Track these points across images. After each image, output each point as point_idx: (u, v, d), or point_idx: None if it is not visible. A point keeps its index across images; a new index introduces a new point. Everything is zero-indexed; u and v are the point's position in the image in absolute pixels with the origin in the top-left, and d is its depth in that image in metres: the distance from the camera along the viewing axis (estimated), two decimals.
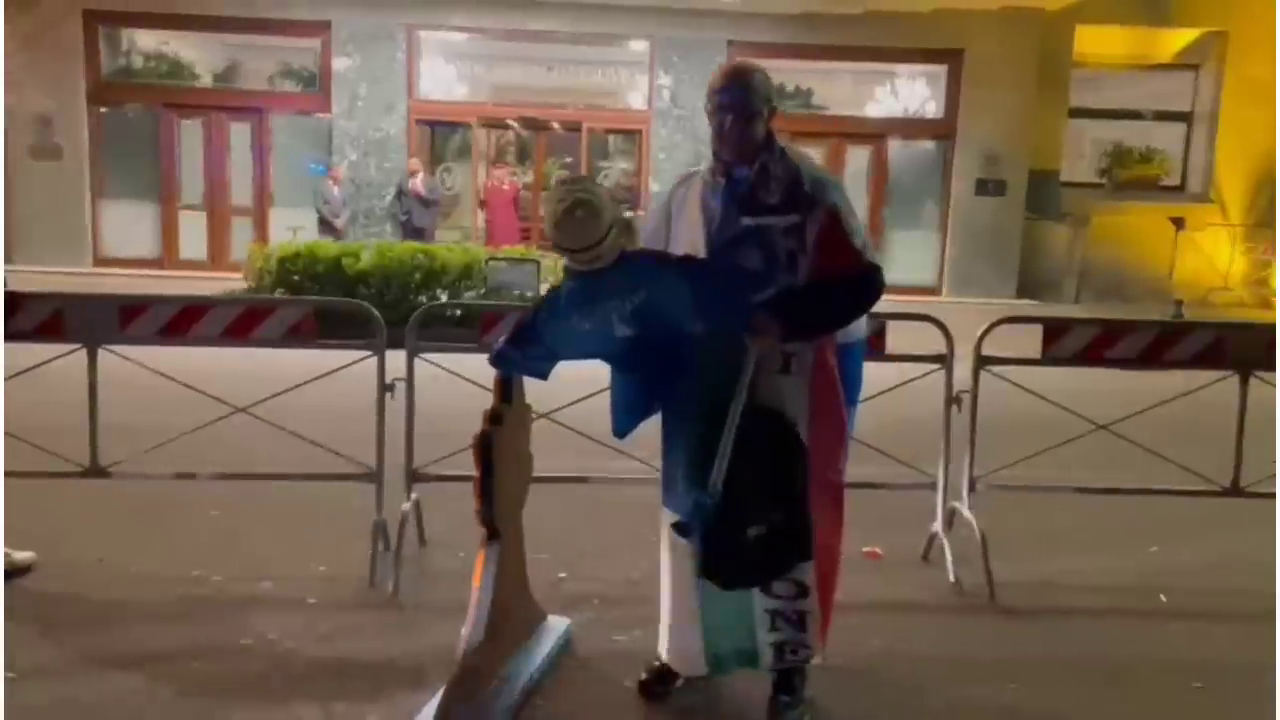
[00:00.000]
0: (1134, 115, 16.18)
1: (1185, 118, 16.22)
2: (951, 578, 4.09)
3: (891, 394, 4.33)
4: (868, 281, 2.91)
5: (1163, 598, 4.08)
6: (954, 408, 4.18)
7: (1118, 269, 15.06)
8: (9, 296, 4.03)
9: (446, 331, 5.11)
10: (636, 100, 15.50)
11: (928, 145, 15.89)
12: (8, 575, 3.87)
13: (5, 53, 13.71)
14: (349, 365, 4.30)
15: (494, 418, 3.01)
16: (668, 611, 3.16)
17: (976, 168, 15.32)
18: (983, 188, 15.38)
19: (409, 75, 14.62)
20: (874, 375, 4.32)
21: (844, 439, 3.06)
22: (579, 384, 4.46)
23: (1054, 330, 4.18)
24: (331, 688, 3.19)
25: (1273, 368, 4.12)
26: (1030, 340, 4.32)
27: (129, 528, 4.47)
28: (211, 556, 4.18)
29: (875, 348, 4.14)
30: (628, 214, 14.56)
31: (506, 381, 3.10)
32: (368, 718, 3.02)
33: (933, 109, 15.80)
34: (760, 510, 2.85)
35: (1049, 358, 4.18)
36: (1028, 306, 14.60)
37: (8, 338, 3.97)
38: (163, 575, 4.00)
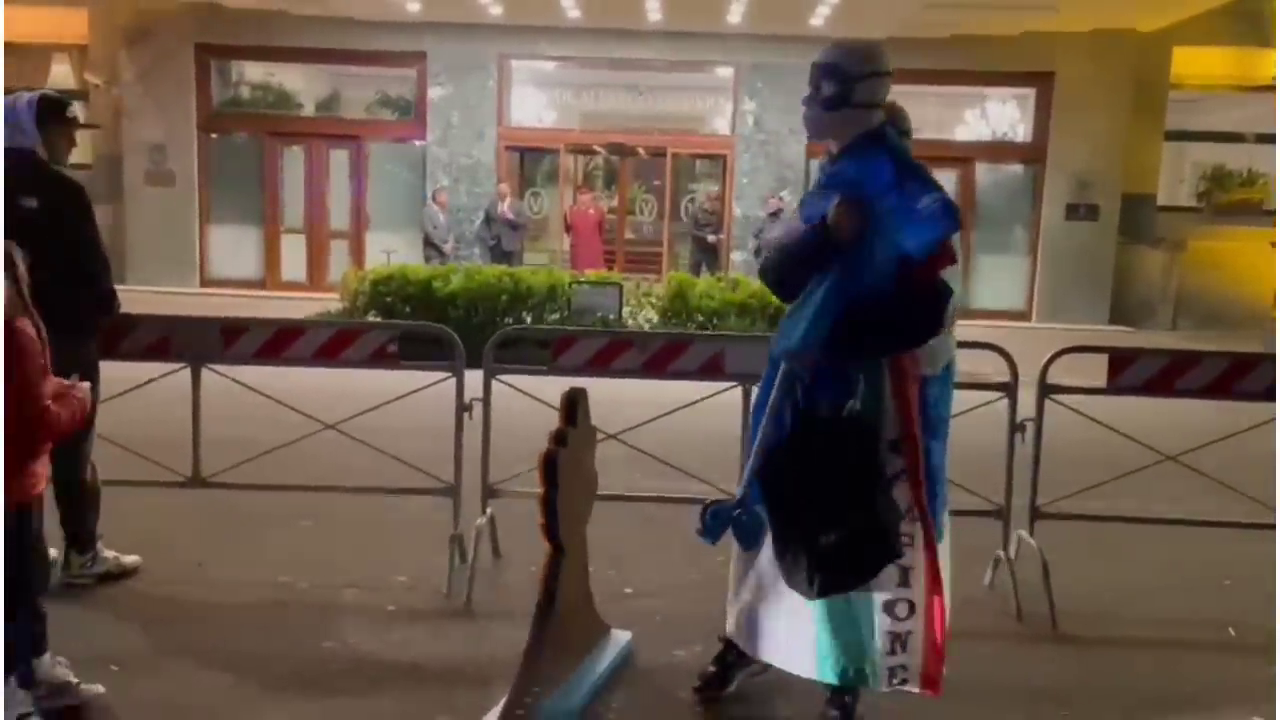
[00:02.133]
0: (1234, 138, 15.72)
1: None
2: (1014, 605, 4.11)
3: (957, 421, 4.37)
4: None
5: (1231, 631, 4.03)
6: (1018, 436, 4.20)
7: (1216, 295, 14.62)
8: (123, 319, 4.36)
9: (527, 353, 5.32)
10: (721, 125, 15.68)
11: (1016, 169, 15.69)
12: (116, 577, 4.18)
13: (125, 84, 14.58)
14: (430, 385, 4.52)
15: (559, 439, 3.18)
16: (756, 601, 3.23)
17: (1067, 192, 15.07)
18: (1074, 212, 15.12)
19: (499, 103, 15.06)
20: None
21: (919, 464, 3.03)
22: (649, 407, 4.63)
23: (1120, 360, 4.18)
24: (405, 689, 3.39)
25: None
26: (1103, 368, 4.32)
27: (226, 535, 4.77)
28: (300, 564, 4.44)
29: None
30: (710, 238, 14.73)
31: (572, 404, 3.27)
32: (437, 718, 3.21)
33: (1022, 132, 15.60)
34: (831, 516, 2.90)
35: (1114, 387, 4.18)
36: (1120, 333, 14.28)
37: (120, 356, 4.29)
38: (254, 580, 4.27)
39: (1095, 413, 4.44)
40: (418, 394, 4.61)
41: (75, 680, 3.18)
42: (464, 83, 14.86)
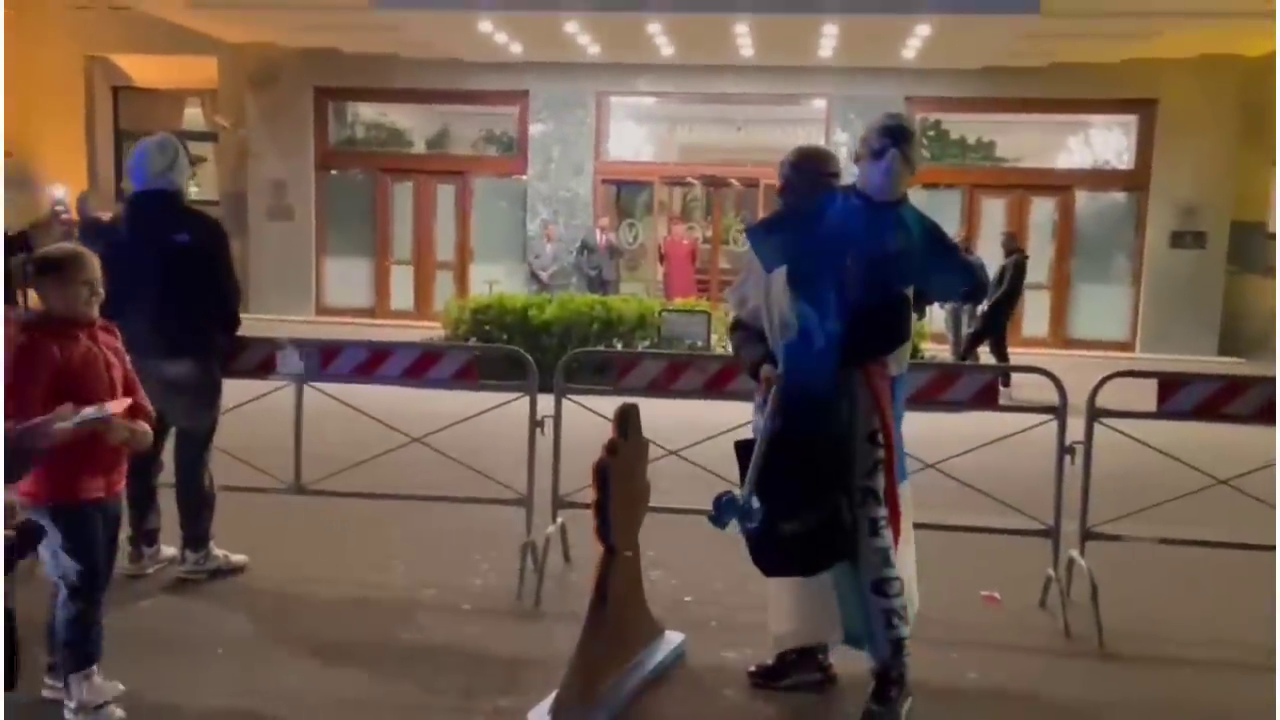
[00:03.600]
0: None
1: None
2: (1062, 623, 4.20)
3: (1011, 444, 4.51)
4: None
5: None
6: (1068, 458, 4.31)
7: None
8: (239, 340, 4.84)
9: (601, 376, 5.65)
10: None
11: (1118, 196, 15.41)
12: (225, 573, 4.63)
13: (250, 125, 15.59)
14: (508, 403, 4.87)
15: (611, 449, 3.48)
16: (790, 596, 3.56)
17: (1172, 219, 14.73)
18: (1179, 240, 14.76)
19: (597, 138, 15.57)
20: (991, 424, 4.55)
21: (892, 454, 3.38)
22: (714, 429, 4.89)
23: (1169, 384, 4.25)
24: (471, 674, 3.73)
25: None
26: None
27: (323, 538, 5.19)
28: (386, 566, 4.83)
29: (988, 400, 4.38)
30: None
31: (624, 418, 3.56)
32: (499, 702, 3.52)
33: (1123, 159, 15.34)
34: (794, 510, 3.26)
35: (1164, 411, 4.26)
36: (1231, 365, 13.84)
37: (234, 374, 4.77)
38: (346, 579, 4.67)
39: (1151, 438, 4.51)
40: (497, 413, 4.97)
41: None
42: (563, 119, 15.42)
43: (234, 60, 15.43)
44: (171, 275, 4.24)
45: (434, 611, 4.33)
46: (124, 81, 16.34)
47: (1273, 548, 4.27)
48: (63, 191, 13.55)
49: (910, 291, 3.40)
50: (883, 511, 3.35)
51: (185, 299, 4.23)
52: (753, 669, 3.73)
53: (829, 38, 12.77)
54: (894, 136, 3.33)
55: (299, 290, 15.86)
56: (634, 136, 16.74)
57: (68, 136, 15.73)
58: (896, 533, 3.38)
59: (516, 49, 13.99)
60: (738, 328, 3.69)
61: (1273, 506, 4.37)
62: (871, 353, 3.36)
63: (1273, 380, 4.18)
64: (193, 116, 17.01)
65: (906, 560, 3.49)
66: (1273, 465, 4.34)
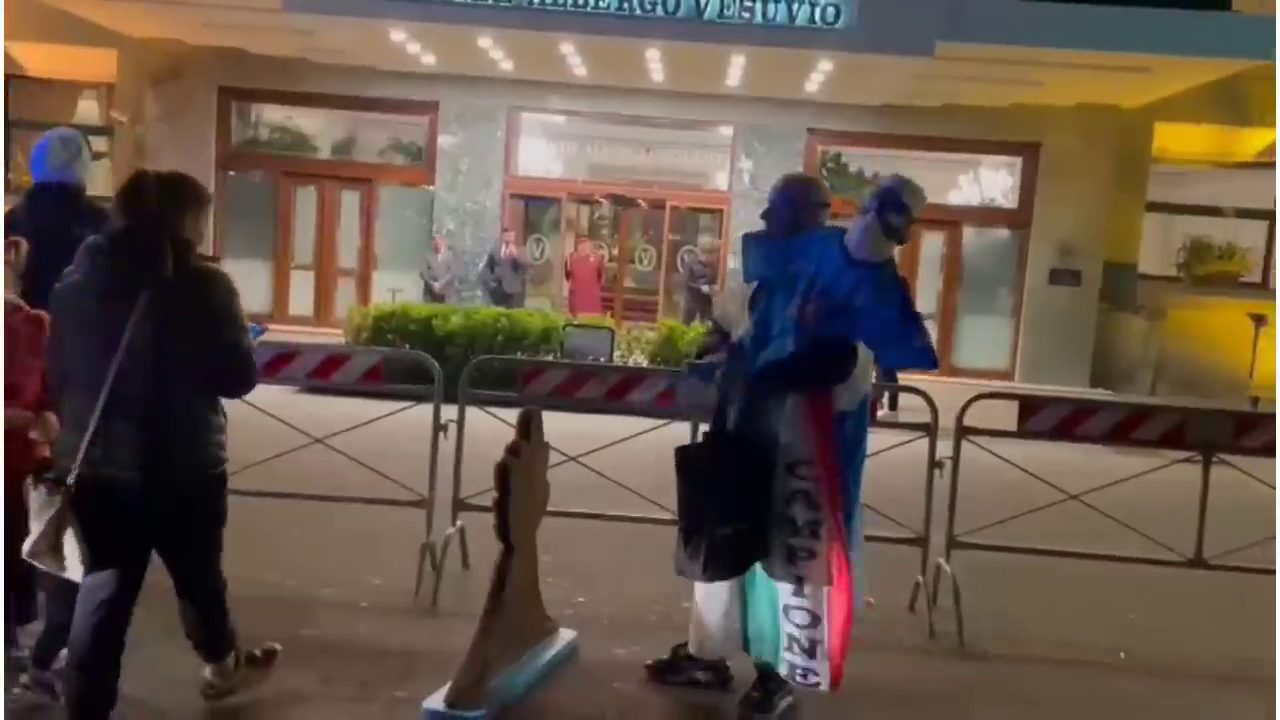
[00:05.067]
0: (1213, 211, 16.26)
1: (1268, 215, 16.23)
2: (928, 624, 4.53)
3: (887, 456, 4.83)
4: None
5: (1122, 655, 4.44)
6: (937, 472, 4.65)
7: (1195, 363, 15.05)
8: None
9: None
10: (720, 181, 16.29)
11: (1002, 233, 16.23)
12: None
13: (149, 122, 15.26)
14: (411, 408, 4.99)
15: (514, 450, 3.65)
16: (704, 609, 3.75)
17: (1051, 257, 15.58)
18: (1057, 277, 15.61)
19: (507, 152, 15.69)
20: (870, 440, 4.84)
21: (833, 487, 3.48)
22: (611, 438, 5.10)
23: (1029, 406, 4.64)
24: (369, 668, 3.84)
25: (1234, 450, 4.49)
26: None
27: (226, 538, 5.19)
28: (286, 565, 4.88)
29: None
30: (705, 289, 15.26)
31: (526, 421, 3.74)
32: (395, 693, 3.64)
33: (1008, 198, 16.18)
34: (728, 515, 3.44)
35: (1024, 430, 4.63)
36: (1099, 396, 14.69)
37: None
38: (247, 577, 4.63)
39: (1019, 460, 4.89)
40: (399, 418, 5.08)
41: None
42: (474, 132, 15.50)
43: (136, 55, 15.08)
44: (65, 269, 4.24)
45: (333, 609, 4.42)
46: (15, 70, 15.78)
47: (1118, 559, 4.69)
48: None
49: (860, 344, 3.49)
50: (802, 542, 3.44)
51: None
52: (649, 663, 3.93)
53: (737, 67, 13.18)
54: (881, 201, 3.46)
55: None
56: (544, 153, 16.91)
57: None
58: (837, 566, 3.44)
59: (429, 60, 14.04)
60: (714, 331, 3.91)
61: (1121, 523, 4.80)
62: (808, 383, 3.47)
63: (1117, 405, 4.60)
64: (87, 109, 16.51)
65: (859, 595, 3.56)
66: (1119, 483, 4.76)
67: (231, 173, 16.00)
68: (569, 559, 4.96)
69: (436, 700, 3.45)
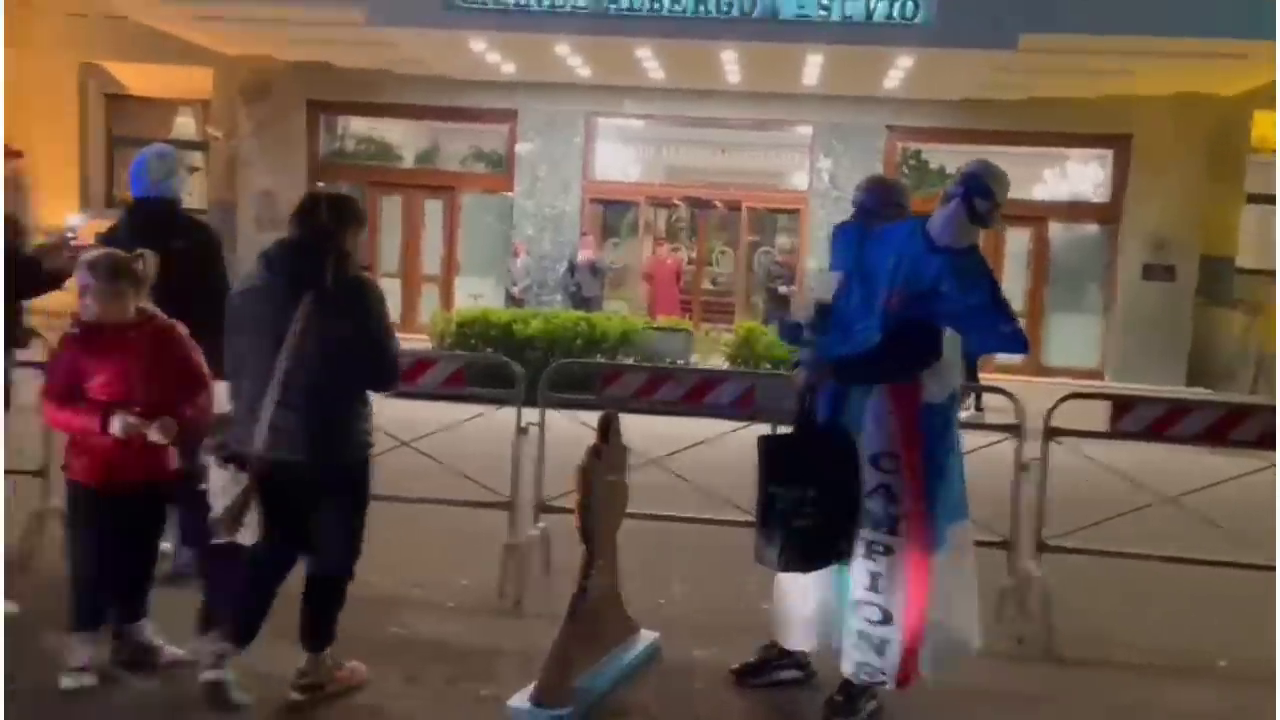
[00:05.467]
0: None
1: None
2: (1017, 630, 4.44)
3: (972, 459, 4.75)
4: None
5: (1222, 663, 4.29)
6: (1024, 474, 4.56)
7: None
8: None
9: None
10: (798, 181, 16.19)
11: (1091, 229, 15.80)
12: None
13: (242, 136, 15.78)
14: (491, 412, 5.08)
15: (595, 453, 3.69)
16: (784, 597, 3.78)
17: (1144, 252, 15.11)
18: (1150, 272, 15.13)
19: (585, 157, 15.84)
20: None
21: (916, 482, 3.48)
22: (690, 440, 5.12)
23: (1122, 405, 4.51)
24: (456, 668, 3.92)
25: None
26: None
27: None
28: (376, 564, 4.94)
29: None
30: (783, 289, 15.16)
31: (606, 424, 3.78)
32: (481, 692, 3.72)
33: (1098, 192, 15.74)
34: (808, 506, 3.42)
35: (1116, 431, 4.51)
36: (1196, 395, 14.19)
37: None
38: None
39: (1112, 461, 4.76)
40: (481, 421, 5.17)
41: (162, 644, 3.79)
42: (552, 138, 15.69)
43: (229, 72, 15.62)
44: (168, 280, 4.42)
45: (420, 608, 4.53)
46: (117, 89, 16.49)
47: (1214, 563, 4.53)
48: (79, 219, 13.70)
49: (948, 330, 3.46)
50: (879, 537, 3.44)
51: (181, 303, 4.38)
52: (735, 666, 3.92)
53: (814, 66, 13.09)
54: (967, 185, 3.43)
55: None
56: (621, 157, 17.02)
57: (61, 143, 15.86)
58: (914, 565, 3.43)
59: (508, 69, 14.25)
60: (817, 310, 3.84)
61: (1215, 524, 4.64)
62: (893, 370, 3.45)
63: (1213, 404, 4.45)
64: (184, 125, 17.16)
65: (942, 600, 3.49)
66: (1215, 485, 4.60)
67: (320, 184, 16.44)
68: (648, 561, 4.98)
69: (522, 699, 3.51)
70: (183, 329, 3.71)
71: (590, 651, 3.73)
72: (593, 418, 4.96)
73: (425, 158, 17.11)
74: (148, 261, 3.64)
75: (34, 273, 4.33)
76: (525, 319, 11.78)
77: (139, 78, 16.32)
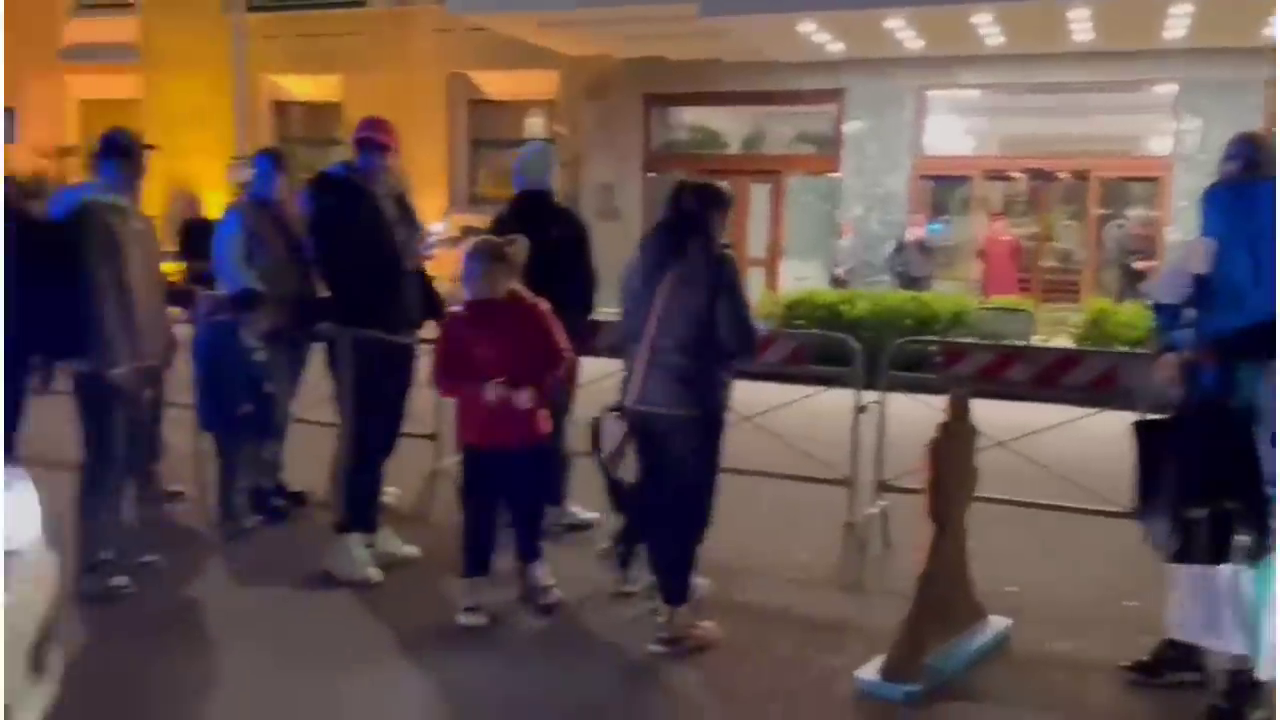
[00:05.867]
0: None
1: None
2: None
3: None
4: None
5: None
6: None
7: None
8: (594, 323, 5.38)
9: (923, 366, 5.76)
10: (1156, 146, 14.74)
11: None
12: (577, 528, 5.18)
13: (585, 132, 16.83)
14: (822, 392, 5.12)
15: (946, 430, 3.63)
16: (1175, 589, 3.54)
17: None
18: None
19: (915, 133, 15.38)
20: None
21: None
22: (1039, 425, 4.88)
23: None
24: (801, 638, 4.02)
25: None
26: None
27: None
28: (717, 534, 5.17)
29: None
30: (1138, 264, 13.87)
31: (957, 403, 3.70)
32: (830, 661, 3.78)
33: None
34: (1201, 495, 3.17)
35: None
36: None
37: (592, 352, 5.30)
38: None
39: None
40: (816, 402, 5.23)
41: (550, 585, 4.23)
42: (880, 115, 15.36)
43: (572, 72, 16.70)
44: (545, 264, 4.84)
45: (761, 578, 4.67)
46: (478, 96, 18.14)
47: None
48: (439, 227, 15.32)
49: None
50: None
51: (558, 286, 4.80)
52: (1127, 663, 3.68)
53: (1179, 17, 11.86)
54: None
55: (614, 284, 16.87)
56: (953, 130, 16.32)
57: (432, 148, 17.73)
58: None
59: (835, 48, 14.13)
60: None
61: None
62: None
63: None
64: (532, 125, 18.57)
65: None
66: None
67: (651, 174, 17.19)
68: (997, 546, 4.80)
69: (870, 672, 3.54)
70: (547, 307, 4.06)
71: (939, 632, 3.67)
72: (930, 399, 4.88)
73: (751, 143, 17.36)
74: (519, 247, 4.03)
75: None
76: (852, 300, 11.68)
77: (495, 83, 17.86)
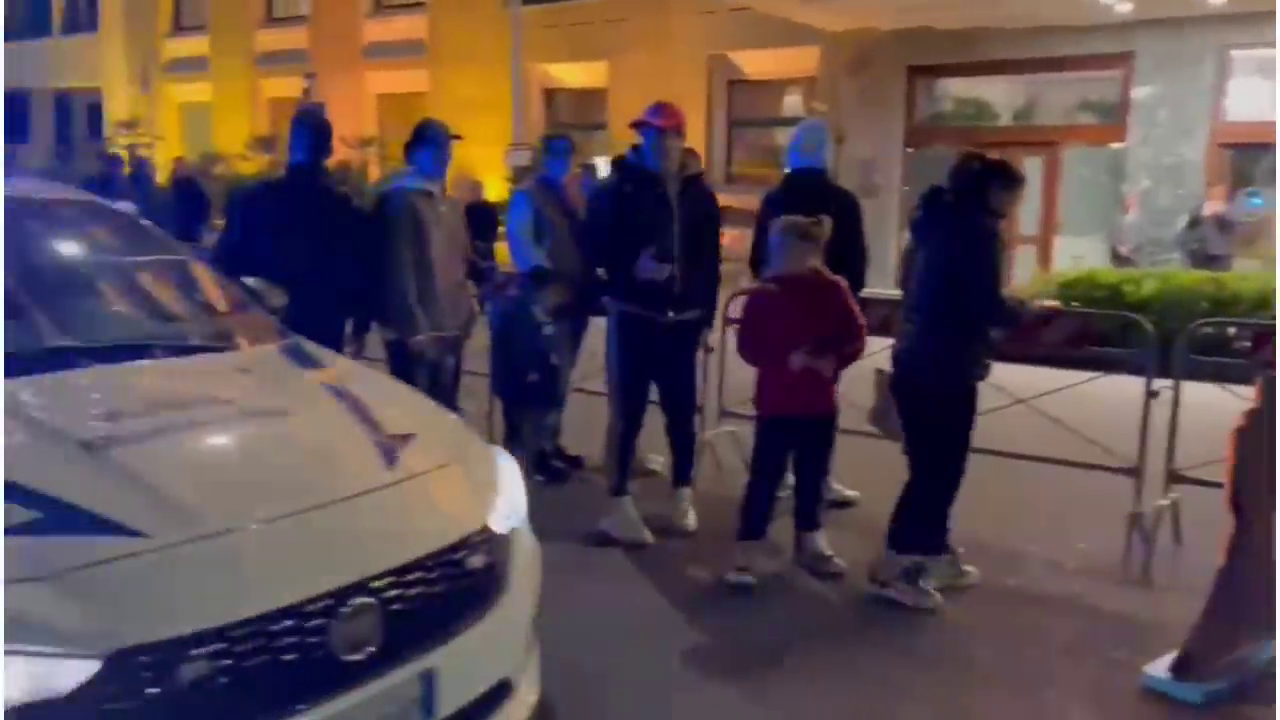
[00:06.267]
0: None
1: None
2: None
3: None
4: None
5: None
6: None
7: None
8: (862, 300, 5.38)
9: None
10: None
11: None
12: (840, 505, 5.20)
13: (844, 108, 16.58)
14: (1099, 378, 4.85)
15: (1252, 416, 3.38)
16: None
17: None
18: None
19: (1214, 98, 14.03)
20: None
21: None
22: None
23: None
24: (1080, 628, 3.89)
25: None
26: None
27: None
28: (991, 517, 5.04)
29: None
30: None
31: (1270, 388, 3.42)
32: (1112, 654, 3.64)
33: None
34: None
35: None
36: None
37: None
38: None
39: None
40: (1097, 387, 4.97)
41: (833, 555, 4.35)
42: (1174, 79, 14.11)
43: (833, 48, 16.49)
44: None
45: (1036, 565, 4.53)
46: (737, 76, 18.28)
47: None
48: None
49: None
50: None
51: (831, 264, 4.82)
52: None
53: None
54: None
55: (879, 264, 16.53)
56: (1261, 94, 14.74)
57: (691, 128, 18.04)
58: None
59: (1123, 8, 13.13)
60: None
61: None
62: None
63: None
64: (790, 104, 18.50)
65: None
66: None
67: (910, 149, 16.70)
68: None
69: (1159, 668, 3.38)
70: (846, 284, 4.17)
71: (1240, 630, 3.43)
72: (1232, 388, 4.53)
73: (1023, 114, 16.44)
74: (824, 226, 4.13)
75: None
76: (1137, 280, 10.88)
77: (754, 62, 17.93)
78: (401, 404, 3.16)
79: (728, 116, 18.54)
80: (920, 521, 4.12)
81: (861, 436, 4.79)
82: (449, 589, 2.40)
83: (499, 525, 2.64)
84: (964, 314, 3.92)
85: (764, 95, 18.38)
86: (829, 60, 16.71)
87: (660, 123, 4.67)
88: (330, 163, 5.12)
